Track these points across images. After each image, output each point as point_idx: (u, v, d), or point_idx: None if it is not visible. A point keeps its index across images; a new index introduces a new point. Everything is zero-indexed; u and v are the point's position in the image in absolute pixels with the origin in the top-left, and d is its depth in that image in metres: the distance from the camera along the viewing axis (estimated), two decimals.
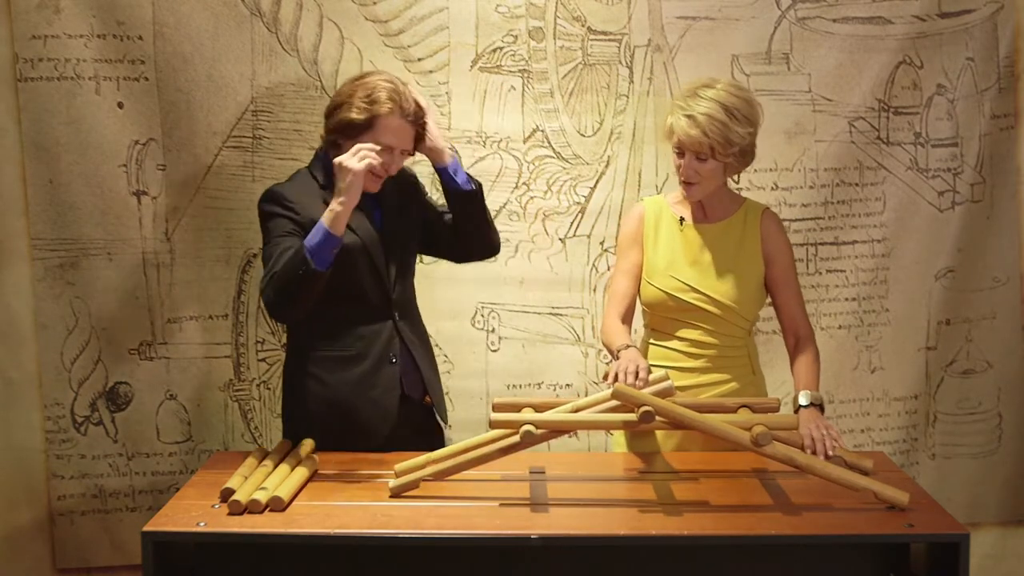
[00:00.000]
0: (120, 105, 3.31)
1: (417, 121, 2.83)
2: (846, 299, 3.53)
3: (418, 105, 2.84)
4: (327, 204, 2.73)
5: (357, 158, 2.68)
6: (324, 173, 2.86)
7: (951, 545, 2.28)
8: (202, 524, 2.34)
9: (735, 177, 3.19)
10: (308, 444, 2.76)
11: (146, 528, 2.34)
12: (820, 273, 3.51)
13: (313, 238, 2.69)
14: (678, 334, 2.90)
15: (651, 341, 2.96)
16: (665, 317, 2.91)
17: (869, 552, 2.45)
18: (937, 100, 3.45)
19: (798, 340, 2.92)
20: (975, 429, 3.58)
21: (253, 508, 2.39)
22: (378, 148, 2.73)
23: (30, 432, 3.39)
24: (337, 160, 2.70)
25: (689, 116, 2.75)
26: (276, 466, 2.61)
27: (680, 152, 2.81)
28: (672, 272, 2.88)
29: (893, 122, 3.46)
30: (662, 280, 2.89)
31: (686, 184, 2.84)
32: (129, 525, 3.40)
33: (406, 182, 3.02)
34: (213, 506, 2.43)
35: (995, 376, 3.57)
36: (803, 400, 2.80)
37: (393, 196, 2.95)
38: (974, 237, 3.51)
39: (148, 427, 3.44)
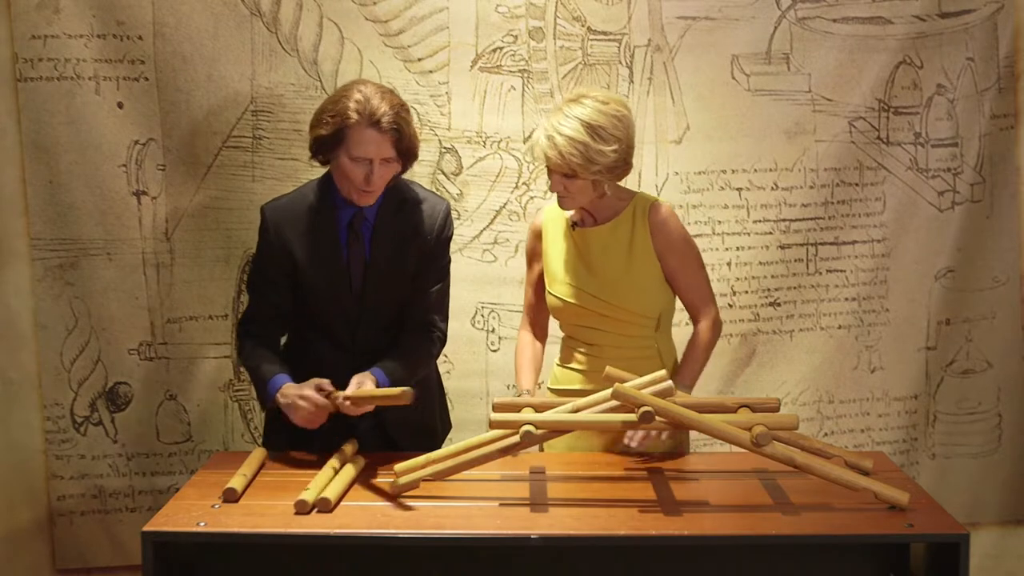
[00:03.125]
0: (120, 105, 3.31)
1: (393, 128, 2.67)
2: (846, 299, 3.52)
3: (398, 110, 2.69)
4: (315, 226, 2.77)
5: (299, 416, 2.68)
6: (319, 191, 2.83)
7: (951, 545, 2.28)
8: (202, 524, 2.34)
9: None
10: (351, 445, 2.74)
11: (146, 528, 2.34)
12: (820, 273, 3.51)
13: (263, 389, 2.76)
14: (583, 338, 2.89)
15: (564, 344, 2.96)
16: (570, 323, 2.90)
17: (869, 552, 2.45)
18: (937, 100, 3.45)
19: (698, 326, 2.89)
20: (975, 429, 3.58)
21: (323, 507, 2.39)
22: (320, 402, 2.67)
23: (30, 432, 3.39)
24: (287, 403, 2.69)
25: (549, 137, 2.69)
26: (338, 470, 2.59)
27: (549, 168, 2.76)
28: (568, 279, 2.85)
29: (893, 122, 3.46)
30: (560, 288, 2.87)
31: (559, 198, 2.79)
32: (129, 525, 3.40)
33: (425, 224, 2.85)
34: (213, 506, 2.43)
35: (995, 376, 3.57)
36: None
37: (392, 232, 2.83)
38: (974, 237, 3.51)
39: (148, 427, 3.44)
